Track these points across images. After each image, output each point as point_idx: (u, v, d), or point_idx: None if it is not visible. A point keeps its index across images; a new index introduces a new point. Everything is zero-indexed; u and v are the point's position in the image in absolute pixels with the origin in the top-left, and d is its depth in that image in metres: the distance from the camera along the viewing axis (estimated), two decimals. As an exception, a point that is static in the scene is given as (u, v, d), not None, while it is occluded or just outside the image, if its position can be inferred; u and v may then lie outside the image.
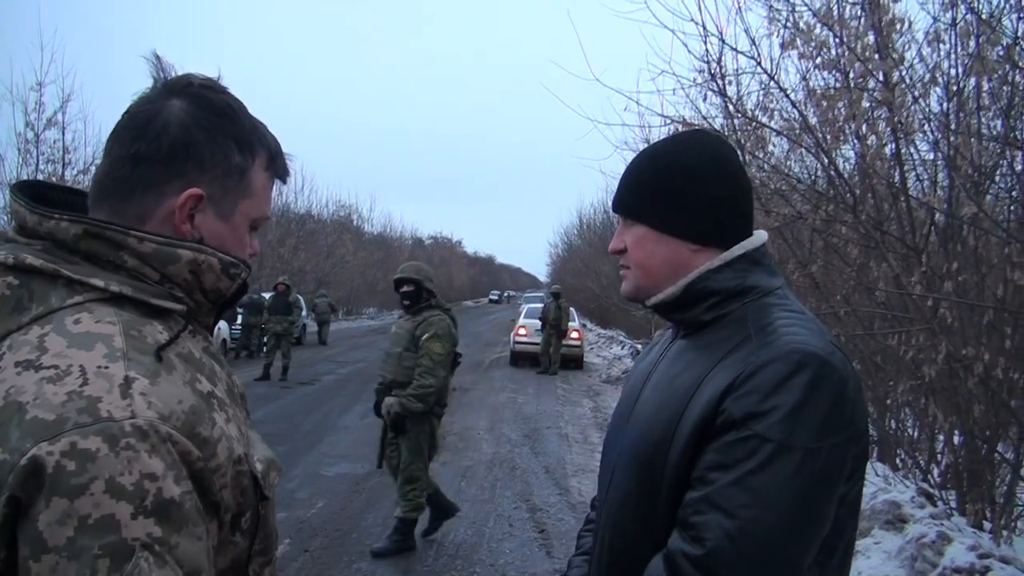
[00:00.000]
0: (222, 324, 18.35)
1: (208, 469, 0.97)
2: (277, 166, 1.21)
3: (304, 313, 23.17)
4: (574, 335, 20.45)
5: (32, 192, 1.11)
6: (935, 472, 6.90)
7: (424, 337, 5.73)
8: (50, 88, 17.93)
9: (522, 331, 21.17)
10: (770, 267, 1.51)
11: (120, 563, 0.84)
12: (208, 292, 1.12)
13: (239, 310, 19.76)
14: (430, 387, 5.69)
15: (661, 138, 1.76)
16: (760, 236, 1.51)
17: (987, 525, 5.71)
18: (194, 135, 1.08)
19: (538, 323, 20.26)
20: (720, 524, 1.21)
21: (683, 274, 1.48)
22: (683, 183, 1.48)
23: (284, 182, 1.25)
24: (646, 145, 7.83)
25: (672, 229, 1.49)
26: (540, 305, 21.74)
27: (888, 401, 7.64)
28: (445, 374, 5.83)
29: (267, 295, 18.80)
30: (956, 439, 6.35)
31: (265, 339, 17.24)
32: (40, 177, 17.90)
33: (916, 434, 7.51)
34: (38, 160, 17.95)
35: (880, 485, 6.47)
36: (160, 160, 1.07)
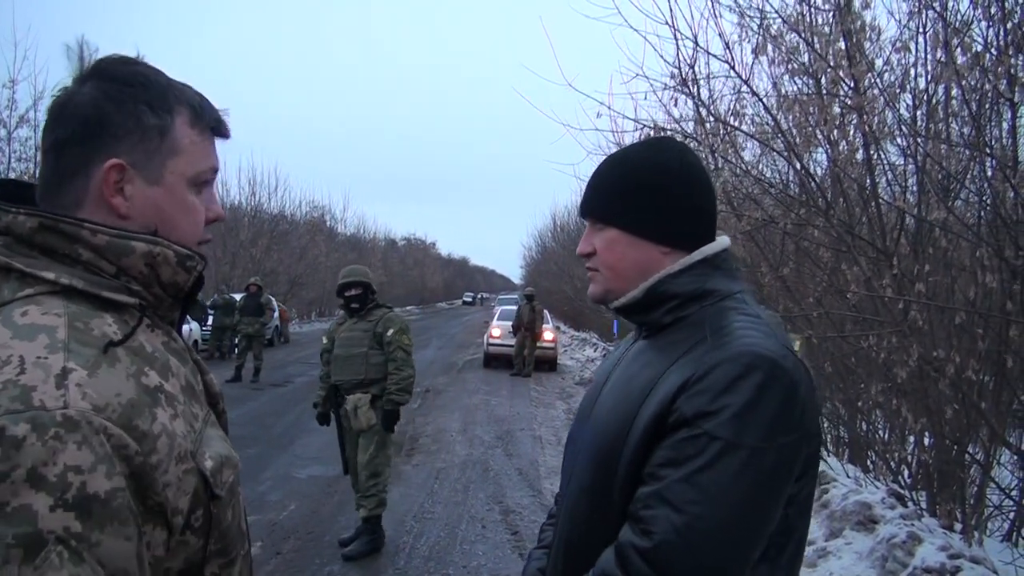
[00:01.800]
0: (193, 326, 18.20)
1: (148, 465, 0.94)
2: (204, 118, 1.17)
3: (276, 314, 23.00)
4: (548, 337, 20.47)
5: (7, 191, 1.11)
6: (906, 473, 6.98)
7: (391, 332, 5.89)
8: (23, 85, 17.78)
9: (496, 333, 21.16)
10: (730, 271, 1.54)
11: (32, 555, 0.82)
12: (166, 286, 1.11)
13: (210, 311, 19.58)
14: (410, 377, 5.92)
15: (629, 143, 1.79)
16: (722, 241, 1.55)
17: (957, 526, 5.77)
18: (103, 108, 1.07)
19: (511, 325, 20.27)
20: (668, 518, 1.25)
21: (650, 276, 1.52)
22: (656, 187, 1.52)
23: (224, 136, 1.22)
24: (618, 148, 7.87)
25: (644, 232, 1.53)
26: (514, 307, 21.74)
27: (859, 403, 7.71)
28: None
29: (238, 296, 18.62)
30: (927, 440, 6.42)
31: (237, 340, 17.07)
32: (12, 176, 17.67)
33: (887, 435, 7.58)
34: (10, 158, 17.73)
35: (851, 486, 6.52)
36: (77, 141, 1.06)
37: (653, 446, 1.34)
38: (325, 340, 6.33)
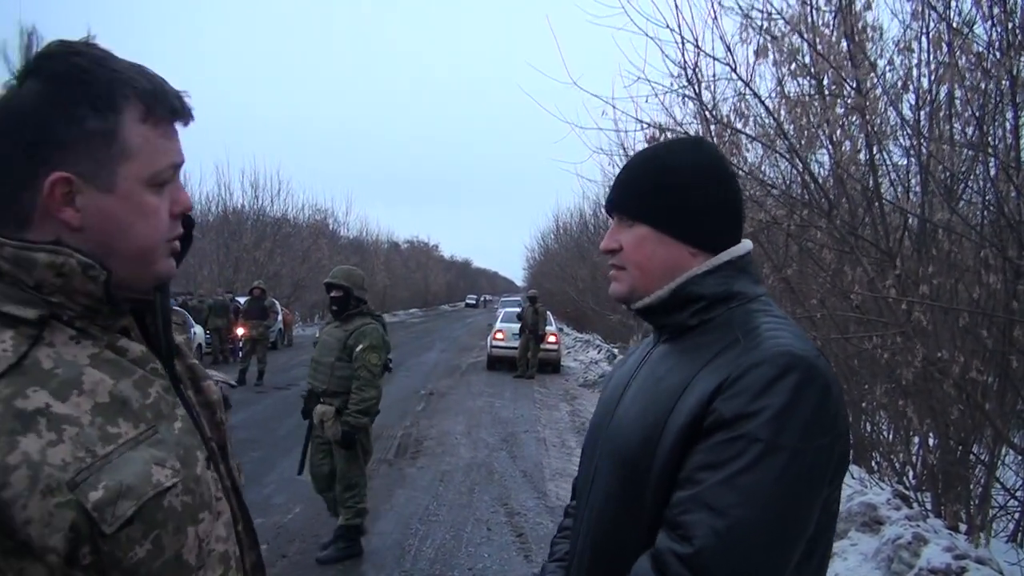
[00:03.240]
0: (197, 330, 18.19)
1: (1, 500, 0.88)
2: (158, 109, 1.06)
3: (279, 317, 22.99)
4: (551, 339, 20.46)
5: None
6: (910, 474, 6.97)
7: (359, 348, 5.62)
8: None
9: (499, 335, 21.18)
10: (754, 275, 1.53)
11: None
12: (86, 295, 1.02)
13: (209, 315, 19.54)
14: (372, 399, 5.65)
15: (660, 141, 1.77)
16: (746, 244, 1.54)
17: (963, 526, 5.77)
18: (44, 114, 0.99)
19: (515, 327, 20.27)
20: (709, 523, 1.22)
21: (678, 277, 1.49)
22: (690, 186, 1.50)
23: (184, 123, 1.11)
24: (622, 150, 7.77)
25: (675, 231, 1.50)
26: (517, 309, 21.75)
27: (864, 404, 7.70)
28: (381, 383, 5.79)
29: (242, 299, 18.62)
30: (931, 441, 6.41)
31: (241, 343, 17.08)
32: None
33: (891, 437, 7.58)
34: None
35: (856, 487, 6.51)
36: (23, 155, 0.99)
37: (687, 450, 1.31)
38: (316, 334, 6.24)
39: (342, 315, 5.79)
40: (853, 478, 6.98)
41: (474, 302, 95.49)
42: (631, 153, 10.47)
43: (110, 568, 0.96)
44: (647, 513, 1.36)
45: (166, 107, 1.07)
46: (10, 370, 0.93)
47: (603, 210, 1.80)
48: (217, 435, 1.19)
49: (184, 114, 1.10)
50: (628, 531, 1.40)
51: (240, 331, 17.25)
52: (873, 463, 7.69)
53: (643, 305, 1.54)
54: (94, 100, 1.01)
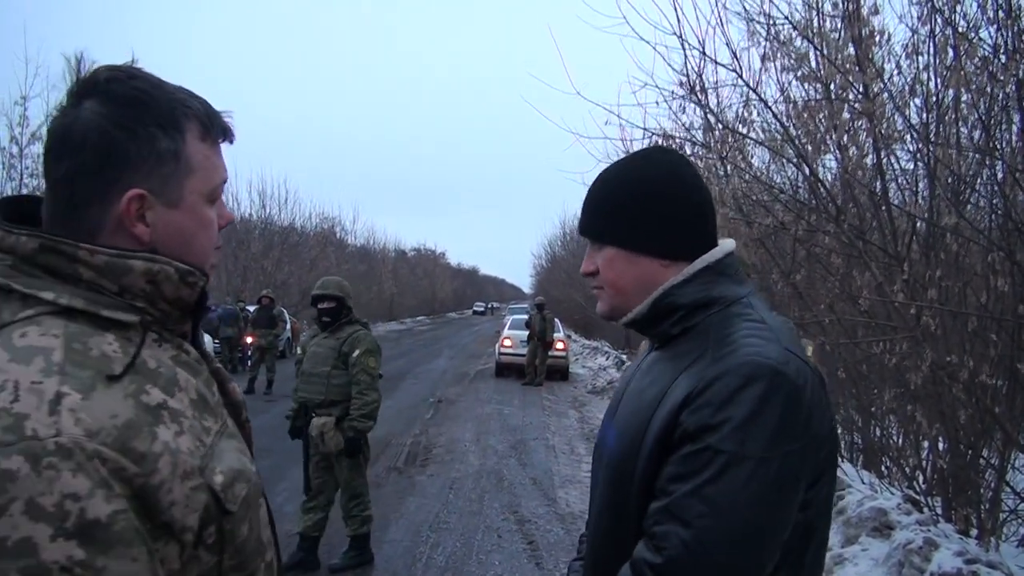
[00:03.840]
0: (206, 338, 18.24)
1: (150, 485, 0.93)
2: (213, 130, 1.15)
3: (288, 326, 23.05)
4: (559, 346, 20.45)
5: (19, 208, 1.11)
6: (921, 479, 6.95)
7: (356, 353, 5.62)
8: (35, 102, 17.92)
9: (507, 342, 21.19)
10: (736, 276, 1.54)
11: None
12: (171, 301, 1.10)
13: (219, 324, 19.59)
14: (375, 402, 5.64)
15: (622, 157, 1.82)
16: (725, 246, 1.55)
17: (973, 531, 5.76)
18: (114, 136, 1.04)
19: (523, 334, 20.28)
20: (677, 534, 1.27)
21: (653, 290, 1.53)
22: (647, 201, 1.52)
23: (231, 142, 1.20)
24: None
25: (641, 248, 1.54)
26: (525, 317, 21.76)
27: (873, 409, 7.70)
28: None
29: (251, 308, 18.67)
30: (941, 445, 6.40)
31: (250, 352, 17.12)
32: (25, 192, 17.79)
33: (901, 441, 7.56)
34: (22, 174, 17.86)
35: (866, 492, 6.50)
36: (91, 173, 1.04)
37: (663, 460, 1.36)
38: (299, 351, 6.16)
39: (333, 325, 5.78)
40: (863, 483, 6.98)
41: (482, 309, 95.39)
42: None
43: (227, 545, 1.06)
44: (633, 520, 1.41)
45: (218, 128, 1.15)
46: (128, 369, 0.99)
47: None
48: (243, 434, 1.25)
49: (231, 136, 1.19)
50: (618, 536, 1.46)
51: (249, 340, 17.28)
52: (883, 468, 7.68)
53: (627, 320, 1.59)
54: (160, 121, 1.08)
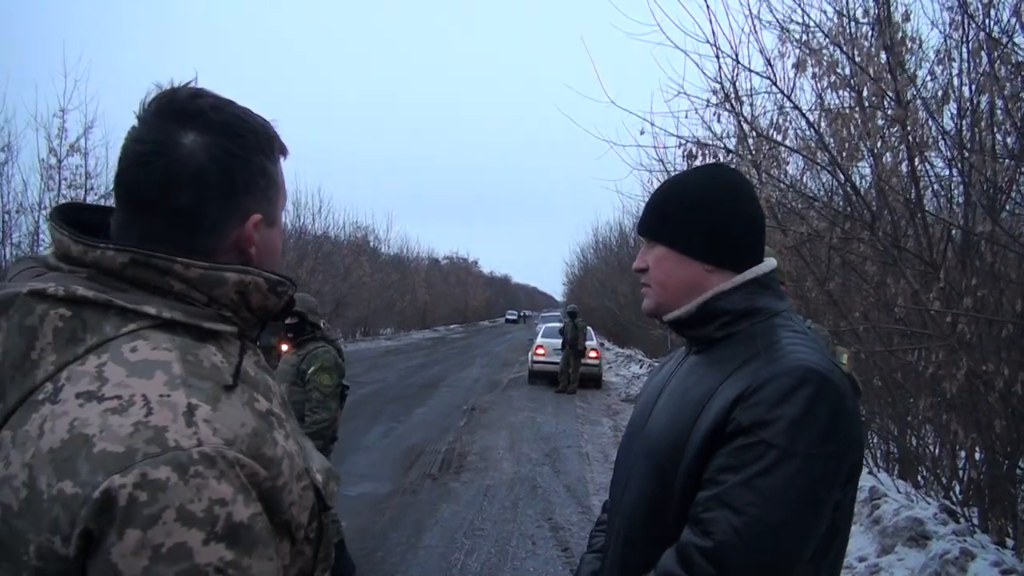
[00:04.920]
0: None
1: (276, 488, 0.99)
2: (285, 152, 1.22)
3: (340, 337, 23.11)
4: (592, 354, 20.41)
5: (69, 216, 1.12)
6: (957, 488, 6.88)
7: (311, 370, 5.55)
8: (73, 114, 18.18)
9: (540, 351, 21.21)
10: (777, 291, 1.66)
11: None
12: (255, 310, 1.13)
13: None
14: (324, 421, 5.47)
15: (686, 168, 1.96)
16: (770, 263, 1.67)
17: (1009, 541, 5.70)
18: (232, 169, 1.10)
19: (556, 343, 20.30)
20: (728, 520, 1.35)
21: (698, 293, 1.63)
22: (702, 208, 1.64)
23: (286, 157, 1.25)
24: (660, 165, 7.85)
25: (690, 251, 1.64)
26: (557, 325, 21.76)
27: (909, 418, 7.63)
28: (336, 406, 5.63)
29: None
30: (977, 455, 6.34)
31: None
32: (62, 202, 18.08)
33: (937, 451, 7.49)
34: (60, 185, 18.13)
35: (903, 502, 6.47)
36: (213, 205, 1.09)
37: (711, 454, 1.44)
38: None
39: (297, 340, 5.73)
40: (899, 492, 6.93)
41: (514, 317, 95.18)
42: (670, 168, 10.56)
43: (323, 539, 1.14)
44: (674, 510, 1.49)
45: (284, 149, 1.21)
46: (236, 379, 1.05)
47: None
48: None
49: (287, 151, 1.24)
50: (657, 527, 1.53)
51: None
52: (919, 477, 7.61)
53: (673, 317, 1.68)
54: (262, 147, 1.15)
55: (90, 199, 17.72)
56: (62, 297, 0.99)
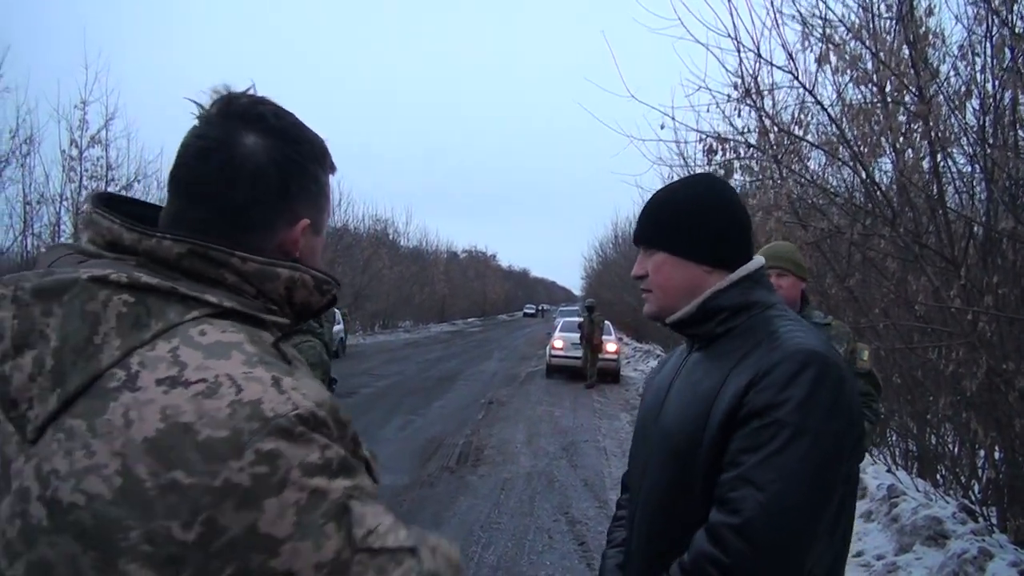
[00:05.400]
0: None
1: (353, 443, 1.09)
2: (333, 164, 1.28)
3: (340, 327, 23.30)
4: (610, 348, 20.41)
5: (109, 205, 1.15)
6: (976, 488, 6.84)
7: None
8: (94, 106, 18.36)
9: (558, 344, 21.24)
10: (768, 286, 1.80)
11: (340, 517, 0.97)
12: (297, 305, 1.18)
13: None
14: None
15: (706, 163, 2.12)
16: (758, 260, 1.79)
17: (1030, 542, 5.66)
18: (288, 172, 1.16)
19: (574, 336, 20.33)
20: (753, 496, 1.45)
21: (698, 294, 1.74)
22: (699, 214, 1.76)
23: (334, 174, 1.31)
24: (681, 159, 7.83)
25: (688, 254, 1.75)
26: (575, 319, 21.77)
27: (928, 416, 7.58)
28: None
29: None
30: (997, 454, 6.30)
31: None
32: (83, 193, 18.28)
33: (957, 450, 7.44)
34: (81, 177, 18.30)
35: (921, 500, 6.44)
36: (266, 204, 1.14)
37: (728, 438, 1.53)
38: None
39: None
40: (918, 491, 6.90)
41: (532, 311, 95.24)
42: (691, 163, 10.51)
43: None
44: (696, 495, 1.58)
45: (334, 166, 1.28)
46: (291, 363, 1.10)
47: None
48: None
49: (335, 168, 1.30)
50: (680, 513, 1.62)
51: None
52: (938, 476, 7.56)
53: (675, 319, 1.78)
54: (317, 157, 1.22)
55: (111, 190, 17.88)
56: (125, 284, 1.01)
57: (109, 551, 0.92)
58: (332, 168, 1.27)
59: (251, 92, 1.19)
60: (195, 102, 1.17)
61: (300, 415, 0.97)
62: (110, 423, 0.94)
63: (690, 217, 1.75)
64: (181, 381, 0.96)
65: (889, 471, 7.89)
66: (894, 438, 8.51)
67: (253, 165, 1.12)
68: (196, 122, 1.15)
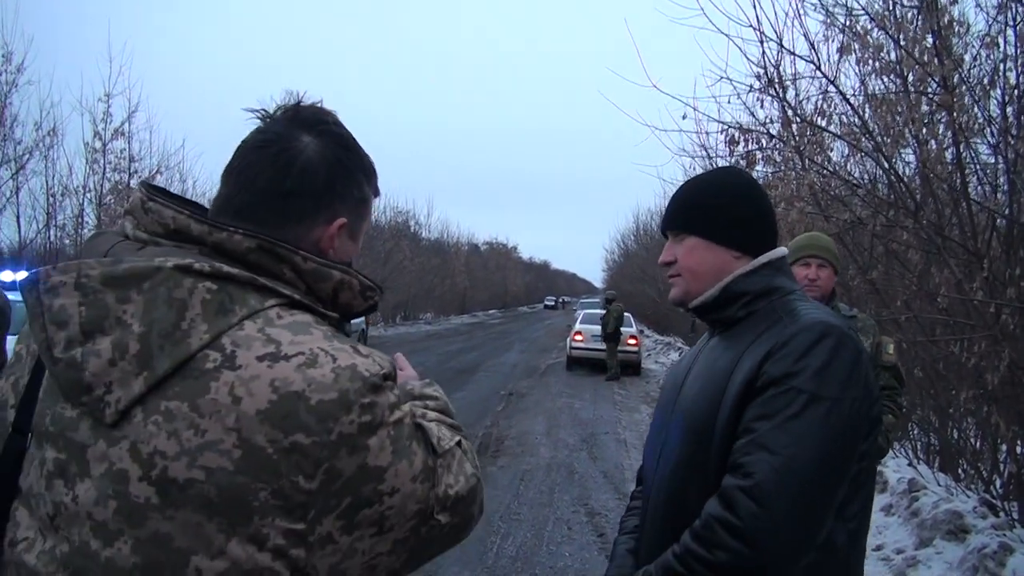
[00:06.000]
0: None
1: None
2: (378, 188, 1.38)
3: (361, 319, 23.33)
4: (631, 341, 20.39)
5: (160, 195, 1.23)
6: (997, 482, 6.78)
7: None
8: (117, 99, 18.48)
9: (578, 337, 21.23)
10: (790, 274, 1.85)
11: (421, 434, 1.19)
12: (339, 306, 1.26)
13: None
14: None
15: (728, 153, 2.21)
16: (781, 250, 1.86)
17: (1051, 536, 5.60)
18: (335, 173, 1.25)
19: (594, 328, 20.30)
20: (766, 460, 1.47)
21: (724, 279, 1.79)
22: (729, 202, 1.82)
23: (377, 197, 1.42)
24: (703, 151, 7.82)
25: (720, 239, 1.81)
26: (596, 311, 21.74)
27: (951, 410, 7.52)
28: None
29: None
30: (1019, 449, 6.24)
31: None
32: (107, 185, 18.45)
33: (979, 444, 7.37)
34: (104, 169, 18.43)
35: (942, 495, 6.40)
36: (310, 196, 1.22)
37: (743, 409, 1.57)
38: None
39: None
40: (939, 485, 6.85)
41: (553, 303, 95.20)
42: (713, 154, 10.47)
43: None
44: (712, 467, 1.61)
45: (378, 190, 1.39)
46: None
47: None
48: None
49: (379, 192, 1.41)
50: (696, 489, 1.64)
51: None
52: (960, 470, 7.50)
53: (698, 303, 1.83)
54: (365, 170, 1.33)
55: (133, 182, 18.09)
56: (208, 272, 1.09)
57: (240, 512, 1.03)
58: (376, 191, 1.37)
59: (318, 104, 1.31)
60: (262, 110, 1.28)
61: (382, 373, 1.14)
62: (216, 402, 1.04)
63: (721, 203, 1.81)
64: (281, 356, 1.07)
65: (910, 465, 7.84)
66: (916, 432, 8.45)
67: (305, 159, 1.22)
68: (260, 123, 1.27)
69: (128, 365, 1.04)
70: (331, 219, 1.25)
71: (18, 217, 17.11)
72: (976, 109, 6.28)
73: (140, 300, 1.07)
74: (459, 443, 1.30)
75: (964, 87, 6.18)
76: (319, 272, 1.20)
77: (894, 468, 7.53)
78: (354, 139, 1.32)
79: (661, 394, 2.01)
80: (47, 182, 18.10)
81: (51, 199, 18.17)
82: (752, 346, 1.63)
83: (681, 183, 1.98)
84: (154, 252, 1.13)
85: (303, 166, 1.21)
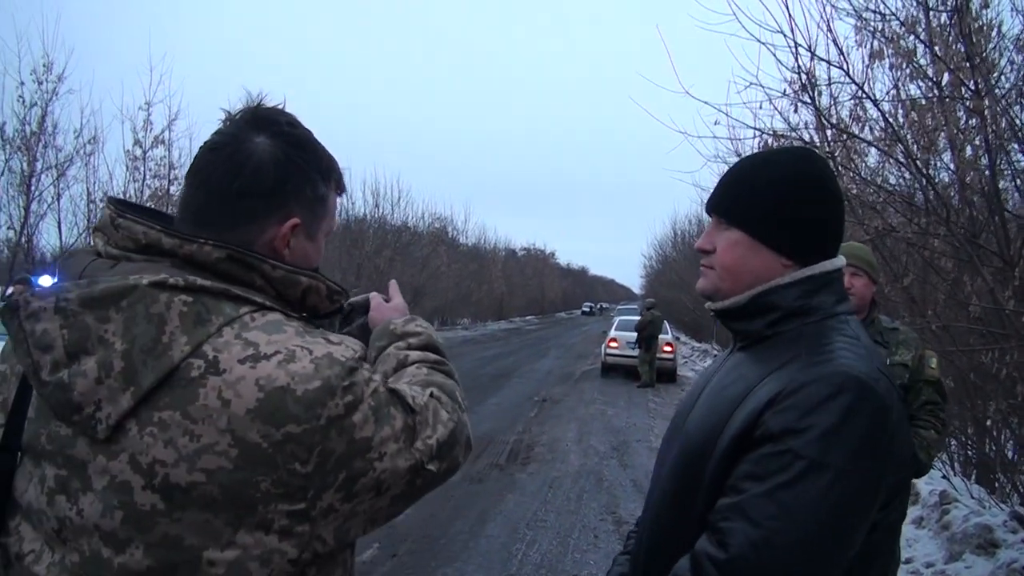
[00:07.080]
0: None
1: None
2: (342, 185, 1.40)
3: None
4: (667, 348, 20.28)
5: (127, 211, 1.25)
6: (1031, 495, 6.64)
7: None
8: (158, 107, 18.76)
9: (613, 343, 21.17)
10: (840, 292, 1.53)
11: (396, 397, 1.25)
12: (306, 308, 1.31)
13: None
14: None
15: (771, 148, 1.85)
16: (835, 262, 1.54)
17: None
18: (288, 172, 1.26)
19: (629, 335, 20.22)
20: (745, 532, 1.26)
21: (759, 286, 1.52)
22: (792, 197, 1.51)
23: (341, 195, 1.44)
24: (736, 157, 7.67)
25: (769, 240, 1.52)
26: (632, 318, 21.65)
27: (988, 422, 7.37)
28: None
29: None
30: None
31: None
32: (147, 192, 18.78)
33: (1014, 456, 7.23)
34: (145, 176, 18.71)
35: (973, 507, 6.29)
36: (262, 196, 1.24)
37: (738, 458, 1.35)
38: None
39: None
40: (972, 497, 6.73)
41: (589, 310, 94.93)
42: (745, 161, 10.36)
43: None
44: (698, 513, 1.40)
45: (343, 185, 1.41)
46: None
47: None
48: None
49: (344, 189, 1.43)
50: (682, 530, 1.44)
51: None
52: (996, 483, 7.36)
53: (720, 308, 1.59)
54: (321, 169, 1.33)
55: (173, 188, 18.37)
56: (183, 286, 1.13)
57: (244, 505, 1.09)
58: (340, 188, 1.39)
59: (279, 105, 1.34)
60: (225, 111, 1.31)
61: (359, 356, 1.21)
62: (206, 407, 1.09)
63: (780, 197, 1.51)
64: (261, 356, 1.12)
65: (944, 477, 7.71)
66: (952, 444, 8.30)
67: (256, 160, 1.24)
68: (220, 124, 1.31)
69: (114, 382, 1.08)
70: (284, 219, 1.27)
71: (59, 223, 17.31)
72: (1011, 114, 6.17)
73: (120, 319, 1.11)
74: (431, 394, 1.36)
75: (998, 92, 6.07)
76: (287, 279, 1.25)
77: (926, 480, 7.40)
78: (311, 138, 1.33)
79: (681, 402, 1.76)
80: (88, 189, 18.39)
81: (91, 205, 18.48)
82: (764, 381, 1.39)
83: (746, 156, 1.66)
84: (127, 269, 1.17)
85: (255, 166, 1.23)
